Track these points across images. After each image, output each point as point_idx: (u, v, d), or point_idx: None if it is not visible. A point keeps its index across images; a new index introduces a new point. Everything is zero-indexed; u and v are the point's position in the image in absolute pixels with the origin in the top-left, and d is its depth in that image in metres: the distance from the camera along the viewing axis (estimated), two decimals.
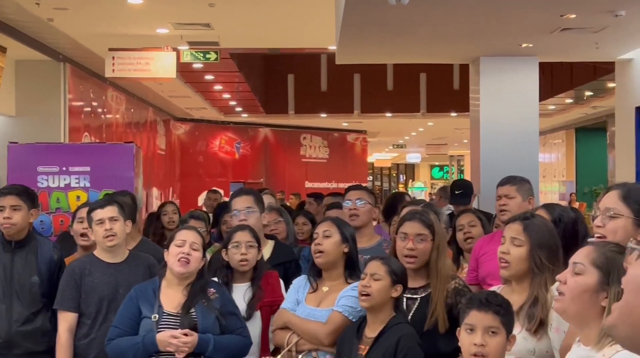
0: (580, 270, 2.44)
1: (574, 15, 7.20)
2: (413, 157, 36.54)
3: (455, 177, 37.97)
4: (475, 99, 9.54)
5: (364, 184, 7.11)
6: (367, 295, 3.60)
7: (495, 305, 2.86)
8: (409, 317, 3.73)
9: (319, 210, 8.02)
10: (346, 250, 4.03)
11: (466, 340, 2.89)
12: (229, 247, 4.26)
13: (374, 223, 5.35)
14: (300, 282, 4.12)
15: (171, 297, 3.90)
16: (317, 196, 9.35)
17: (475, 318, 2.87)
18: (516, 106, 9.20)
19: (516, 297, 3.30)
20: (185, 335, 3.78)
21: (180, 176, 20.83)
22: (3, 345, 4.42)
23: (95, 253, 4.34)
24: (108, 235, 4.23)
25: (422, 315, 3.69)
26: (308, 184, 23.77)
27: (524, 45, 8.55)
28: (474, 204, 9.01)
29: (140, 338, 3.82)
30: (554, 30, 7.78)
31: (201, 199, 18.06)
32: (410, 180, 40.58)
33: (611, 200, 2.88)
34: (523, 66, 9.16)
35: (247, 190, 5.04)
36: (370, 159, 32.94)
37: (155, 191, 17.53)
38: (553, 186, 24.39)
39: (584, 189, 22.04)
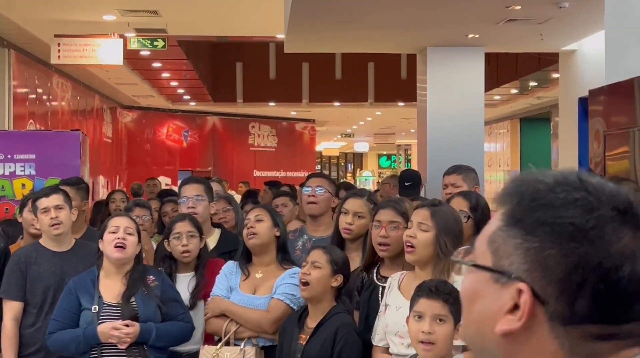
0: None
1: (519, 7, 7.30)
2: (361, 146, 36.69)
3: (402, 166, 38.22)
4: (423, 89, 9.62)
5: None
6: (307, 283, 3.61)
7: (445, 293, 2.88)
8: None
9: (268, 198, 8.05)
10: (278, 233, 4.05)
11: (414, 327, 2.90)
12: (170, 238, 4.24)
13: None
14: (230, 268, 4.09)
15: (111, 287, 3.88)
16: (273, 184, 9.34)
17: (424, 305, 2.88)
18: (462, 96, 9.30)
19: (419, 282, 3.35)
20: (127, 325, 3.76)
21: (128, 165, 20.63)
22: None
23: (41, 241, 4.29)
24: (54, 223, 4.19)
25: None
26: (257, 173, 23.70)
27: (470, 36, 8.65)
28: (422, 193, 9.11)
29: (81, 330, 3.80)
30: (500, 21, 7.88)
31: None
32: (358, 169, 40.76)
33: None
34: (469, 57, 9.26)
35: (197, 178, 5.02)
36: (319, 148, 32.99)
37: (102, 180, 17.33)
38: (498, 175, 24.68)
39: None
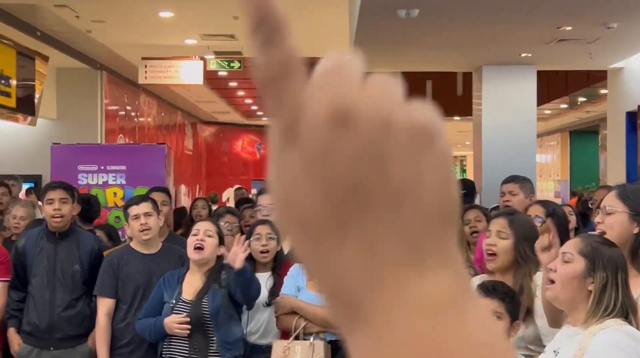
0: (569, 258, 2.49)
1: (569, 28, 7.17)
2: None
3: (458, 176, 37.81)
4: (478, 104, 9.52)
5: None
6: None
7: (501, 293, 2.85)
8: None
9: None
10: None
11: None
12: (251, 239, 4.28)
13: None
14: (297, 270, 4.12)
15: (192, 284, 3.97)
16: None
17: None
18: (516, 111, 9.18)
19: None
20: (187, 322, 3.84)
21: (207, 175, 20.88)
22: (46, 329, 4.43)
23: (132, 245, 4.36)
24: (143, 229, 4.24)
25: None
26: None
27: (523, 55, 8.53)
28: (477, 201, 9.01)
29: (154, 320, 3.93)
30: (551, 41, 7.75)
31: (225, 195, 18.11)
32: None
33: (609, 199, 2.90)
34: (522, 74, 9.14)
35: None
36: None
37: (183, 188, 17.57)
38: (549, 185, 24.29)
39: (577, 188, 21.95)
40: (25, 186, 11.78)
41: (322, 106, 0.41)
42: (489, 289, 2.88)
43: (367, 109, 0.41)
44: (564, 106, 18.19)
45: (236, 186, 11.61)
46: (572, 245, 2.53)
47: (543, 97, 14.51)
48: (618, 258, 2.48)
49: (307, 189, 0.41)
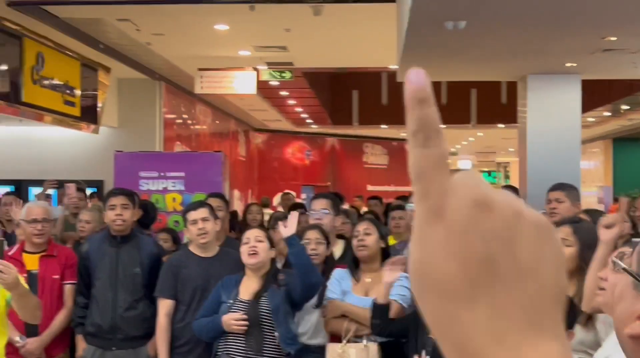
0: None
1: (614, 38, 7.04)
2: (464, 163, 36.14)
3: (502, 182, 37.41)
4: (523, 112, 9.41)
5: None
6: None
7: None
8: None
9: (381, 211, 8.03)
10: (383, 245, 4.11)
11: None
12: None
13: None
14: (341, 274, 4.15)
15: (248, 286, 4.03)
16: (377, 198, 9.30)
17: None
18: (560, 118, 9.04)
19: None
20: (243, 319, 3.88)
21: (258, 180, 21.00)
22: (109, 330, 4.49)
23: (190, 248, 4.40)
24: (200, 233, 4.29)
25: None
26: (370, 188, 23.68)
27: (568, 64, 8.40)
28: None
29: (211, 318, 3.99)
30: (596, 51, 7.62)
31: (276, 199, 18.17)
32: None
33: None
34: (567, 83, 9.00)
35: (326, 194, 5.07)
36: None
37: (236, 193, 17.71)
38: (592, 191, 23.91)
39: (620, 194, 21.56)
40: (88, 192, 12.02)
41: (467, 193, 0.50)
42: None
43: (503, 201, 0.50)
44: (607, 113, 17.88)
45: (284, 191, 11.63)
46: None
47: (586, 104, 14.22)
48: None
49: (448, 259, 0.49)
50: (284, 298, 3.93)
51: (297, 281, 3.91)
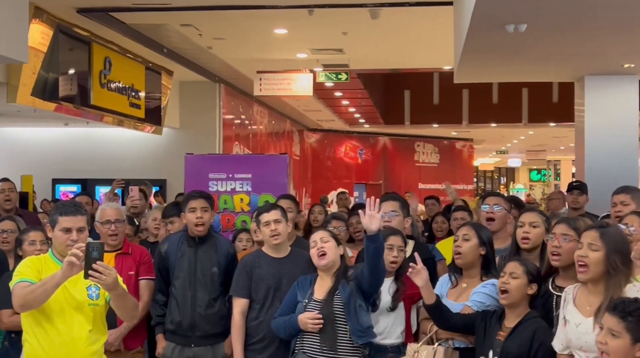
0: None
1: None
2: (514, 161, 35.74)
3: (552, 180, 36.88)
4: (580, 112, 9.28)
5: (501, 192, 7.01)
6: (506, 291, 3.60)
7: (622, 312, 2.74)
8: (556, 313, 3.60)
9: (434, 210, 8.00)
10: (483, 252, 4.02)
11: (598, 337, 2.84)
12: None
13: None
14: (445, 279, 4.15)
15: (322, 286, 4.07)
16: (434, 198, 9.25)
17: (605, 319, 2.80)
18: (617, 118, 8.89)
19: (593, 298, 3.23)
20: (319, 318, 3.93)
21: (312, 178, 21.09)
22: (188, 327, 4.56)
23: (263, 249, 4.45)
24: (273, 235, 4.33)
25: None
26: (421, 186, 23.59)
27: (625, 65, 8.25)
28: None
29: (289, 317, 4.04)
30: None
31: (330, 196, 18.25)
32: (511, 182, 39.69)
33: None
34: (624, 84, 8.84)
35: (394, 196, 4.97)
36: (476, 163, 32.39)
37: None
38: None
39: None
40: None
41: None
42: (612, 306, 2.81)
43: None
44: None
45: (339, 190, 11.64)
46: None
47: None
48: None
49: None
50: (354, 291, 3.96)
51: (364, 269, 3.92)
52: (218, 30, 9.51)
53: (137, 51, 10.33)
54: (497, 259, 4.12)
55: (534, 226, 4.05)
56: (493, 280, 3.90)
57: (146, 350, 4.89)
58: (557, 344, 3.40)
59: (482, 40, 6.64)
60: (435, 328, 3.94)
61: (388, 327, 4.17)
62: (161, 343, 4.65)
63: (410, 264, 3.85)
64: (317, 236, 4.10)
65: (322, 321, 3.92)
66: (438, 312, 3.83)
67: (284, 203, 4.99)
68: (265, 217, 4.35)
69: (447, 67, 12.67)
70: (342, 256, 4.12)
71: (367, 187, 22.37)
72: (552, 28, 6.47)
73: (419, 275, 3.80)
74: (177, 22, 9.14)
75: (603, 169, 8.59)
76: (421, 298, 3.96)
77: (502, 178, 41.65)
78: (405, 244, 4.30)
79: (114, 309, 3.55)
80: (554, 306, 3.64)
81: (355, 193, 21.84)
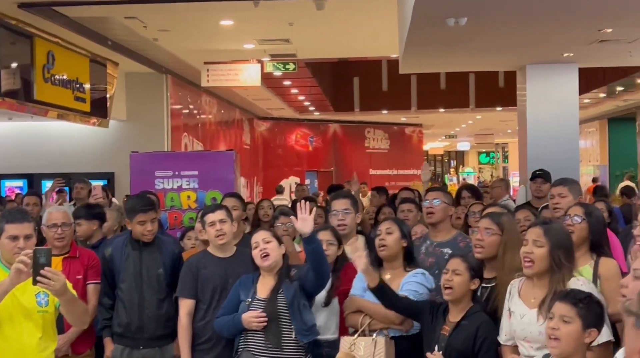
0: (639, 274, 2.49)
1: (610, 30, 7.09)
2: (463, 145, 36.19)
3: (500, 162, 37.51)
4: (522, 99, 9.48)
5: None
6: (450, 288, 3.68)
7: (573, 298, 2.86)
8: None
9: (381, 202, 8.06)
10: (405, 244, 4.15)
11: (547, 324, 2.94)
12: None
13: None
14: None
15: (265, 285, 4.10)
16: (380, 189, 9.24)
17: (555, 307, 2.89)
18: (558, 105, 9.11)
19: (538, 291, 3.35)
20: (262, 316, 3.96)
21: (263, 167, 21.06)
22: (136, 330, 4.56)
23: (209, 249, 4.47)
24: (218, 235, 4.35)
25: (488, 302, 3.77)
26: (372, 172, 23.76)
27: (565, 54, 8.44)
28: (522, 192, 8.97)
29: (232, 316, 4.06)
30: (593, 42, 7.66)
31: (285, 184, 18.25)
32: (461, 165, 40.19)
33: None
34: (564, 72, 9.05)
35: (346, 194, 5.07)
36: (425, 147, 32.73)
37: (242, 180, 17.77)
38: (588, 169, 23.97)
39: (616, 172, 21.64)
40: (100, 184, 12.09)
41: None
42: (561, 295, 2.92)
43: None
44: (602, 95, 17.92)
45: (296, 182, 11.67)
46: None
47: (582, 87, 14.23)
48: None
49: None
50: (297, 291, 4.01)
51: (309, 271, 3.98)
52: (163, 22, 9.42)
53: (81, 44, 10.17)
54: (438, 251, 4.20)
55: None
56: (420, 270, 4.08)
57: (94, 354, 4.86)
58: (501, 336, 3.50)
59: (424, 33, 6.73)
60: (368, 320, 4.02)
61: (323, 323, 4.22)
62: (109, 347, 4.64)
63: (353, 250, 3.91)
64: (259, 237, 4.11)
65: (266, 319, 3.96)
66: (384, 293, 3.90)
67: (229, 201, 5.00)
68: (211, 217, 4.36)
69: (394, 55, 12.75)
70: (284, 255, 4.15)
71: (318, 174, 22.44)
72: (493, 20, 6.59)
73: (360, 259, 3.86)
74: (121, 15, 9.03)
75: (545, 153, 8.80)
76: None
77: (452, 161, 42.19)
78: (338, 240, 4.34)
79: (64, 315, 3.53)
80: (480, 296, 3.78)
81: (307, 181, 21.89)
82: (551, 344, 2.86)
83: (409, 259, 4.16)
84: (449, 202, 4.81)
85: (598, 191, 10.51)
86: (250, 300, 4.04)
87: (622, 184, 16.00)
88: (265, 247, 4.07)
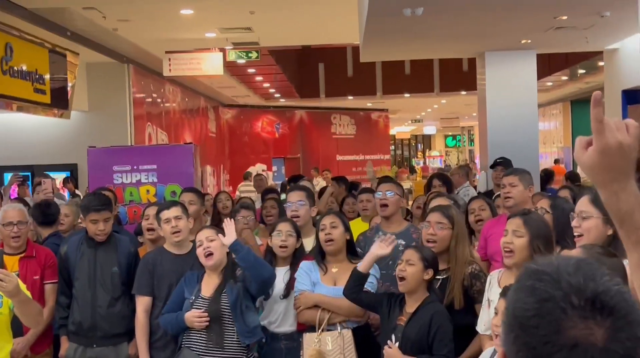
0: None
1: (565, 17, 7.17)
2: (429, 129, 36.34)
3: (466, 145, 37.78)
4: (482, 84, 9.56)
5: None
6: (403, 278, 3.70)
7: None
8: None
9: (340, 192, 8.08)
10: (347, 237, 4.22)
11: (493, 321, 2.99)
12: (272, 235, 4.38)
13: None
14: (309, 266, 4.23)
15: (209, 283, 4.11)
16: (340, 179, 9.21)
17: (500, 303, 2.94)
18: (517, 89, 9.22)
19: None
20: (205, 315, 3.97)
21: (230, 154, 20.97)
22: (89, 328, 4.53)
23: (165, 246, 4.45)
24: (174, 231, 4.35)
25: (442, 294, 3.81)
26: (339, 157, 23.78)
27: (523, 41, 8.53)
28: (483, 178, 9.07)
29: (176, 314, 4.07)
30: (549, 29, 7.75)
31: (253, 171, 18.18)
32: (427, 149, 40.41)
33: (583, 204, 2.95)
34: (523, 58, 9.15)
35: (301, 187, 5.10)
36: (392, 132, 32.81)
37: (208, 168, 17.71)
38: (552, 150, 24.25)
39: None
40: (62, 175, 11.98)
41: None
42: (505, 291, 2.96)
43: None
44: (564, 77, 18.09)
45: (255, 174, 11.63)
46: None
47: (544, 70, 14.45)
48: (618, 267, 2.52)
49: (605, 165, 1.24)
50: (241, 292, 4.01)
51: (251, 279, 4.01)
52: (122, 12, 9.33)
53: (39, 34, 10.02)
54: (395, 241, 4.26)
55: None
56: None
57: (52, 352, 4.84)
58: (480, 325, 3.55)
59: (382, 23, 6.76)
60: (326, 314, 4.05)
61: (281, 315, 4.24)
62: (64, 345, 4.62)
63: (383, 237, 3.96)
64: (203, 236, 4.10)
65: (208, 319, 3.97)
66: (360, 284, 3.91)
67: (187, 196, 4.99)
68: (166, 214, 4.35)
69: (357, 42, 12.78)
70: (229, 254, 4.14)
71: (285, 161, 22.42)
72: (450, 9, 6.63)
73: (383, 248, 3.90)
74: (80, 6, 8.92)
75: (506, 138, 8.92)
76: None
77: (419, 145, 42.39)
78: (297, 231, 4.36)
79: (18, 316, 3.51)
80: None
81: (274, 168, 21.86)
82: (497, 342, 2.91)
83: (352, 251, 4.22)
84: (401, 194, 4.88)
85: (570, 178, 10.63)
86: (194, 298, 4.04)
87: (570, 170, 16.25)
88: (209, 245, 4.06)
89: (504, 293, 2.93)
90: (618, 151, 1.24)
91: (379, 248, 3.92)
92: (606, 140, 1.23)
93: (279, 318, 4.24)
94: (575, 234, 2.94)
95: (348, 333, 3.98)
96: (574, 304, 0.98)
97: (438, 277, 3.86)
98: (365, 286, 3.96)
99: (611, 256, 2.57)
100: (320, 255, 4.20)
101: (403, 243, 4.40)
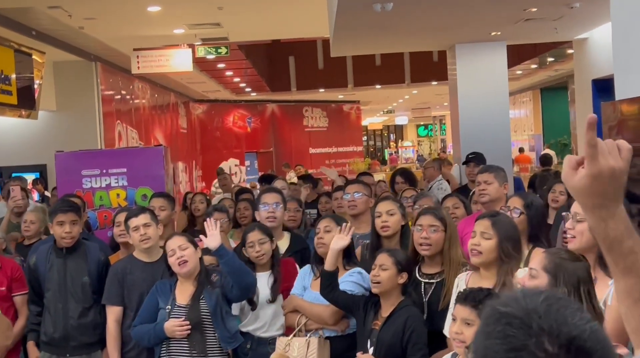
0: (534, 274, 2.52)
1: (534, 9, 7.16)
2: (401, 119, 36.41)
3: (438, 135, 37.92)
4: (453, 76, 9.54)
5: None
6: (378, 283, 3.65)
7: (473, 301, 2.84)
8: (426, 299, 3.75)
9: (312, 195, 7.98)
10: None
11: (451, 328, 2.95)
12: (246, 246, 4.28)
13: None
14: (306, 271, 4.17)
15: (184, 291, 4.02)
16: (306, 178, 9.13)
17: (457, 310, 2.89)
18: (488, 80, 9.21)
19: (485, 282, 3.33)
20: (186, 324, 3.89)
21: (202, 150, 20.80)
22: (61, 338, 4.44)
23: (134, 254, 4.35)
24: (143, 239, 4.25)
25: (437, 298, 3.72)
26: (312, 151, 23.71)
27: (493, 33, 8.52)
28: (456, 171, 9.05)
29: (153, 325, 3.96)
30: (518, 20, 7.74)
31: (225, 167, 18.06)
32: (400, 139, 40.47)
33: (579, 207, 2.91)
34: (493, 50, 9.14)
35: (276, 189, 5.05)
36: (364, 123, 32.84)
37: (180, 165, 17.55)
38: (523, 138, 24.39)
39: (550, 141, 22.06)
40: (32, 176, 11.76)
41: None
42: (462, 297, 2.92)
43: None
44: (534, 66, 18.18)
45: (220, 173, 11.48)
46: (538, 261, 2.56)
47: (514, 59, 14.48)
48: (581, 271, 2.48)
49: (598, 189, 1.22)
50: (219, 298, 3.94)
51: (233, 285, 3.92)
52: (88, 10, 9.16)
53: (4, 35, 9.82)
54: (361, 243, 4.20)
55: (391, 214, 4.17)
56: (357, 268, 4.01)
57: None
58: (447, 328, 3.50)
59: (352, 19, 6.70)
60: (304, 319, 3.99)
61: (269, 320, 4.18)
62: (33, 352, 4.52)
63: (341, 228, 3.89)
64: (175, 244, 3.99)
65: (189, 327, 3.88)
66: (331, 282, 3.84)
67: (157, 201, 4.89)
68: (134, 222, 4.25)
69: (327, 35, 12.71)
70: (201, 259, 4.07)
71: (258, 155, 22.30)
72: (419, 4, 6.59)
73: (341, 241, 3.84)
74: (44, 5, 8.75)
75: (477, 129, 8.92)
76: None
77: (391, 135, 42.46)
78: (269, 235, 4.26)
79: None
80: (423, 293, 3.76)
81: (247, 162, 21.73)
82: (458, 346, 2.86)
83: (348, 256, 4.09)
84: (369, 194, 4.86)
85: (544, 161, 10.91)
86: (170, 307, 3.95)
87: (542, 153, 16.45)
88: (183, 254, 3.97)
89: (460, 300, 2.89)
90: (610, 177, 1.19)
91: (337, 240, 3.86)
92: (599, 166, 1.19)
93: (266, 323, 4.17)
94: (567, 236, 2.90)
95: (315, 341, 3.89)
96: (548, 352, 0.95)
97: (432, 281, 3.80)
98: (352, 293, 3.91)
99: (575, 260, 2.54)
100: (315, 259, 4.12)
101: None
